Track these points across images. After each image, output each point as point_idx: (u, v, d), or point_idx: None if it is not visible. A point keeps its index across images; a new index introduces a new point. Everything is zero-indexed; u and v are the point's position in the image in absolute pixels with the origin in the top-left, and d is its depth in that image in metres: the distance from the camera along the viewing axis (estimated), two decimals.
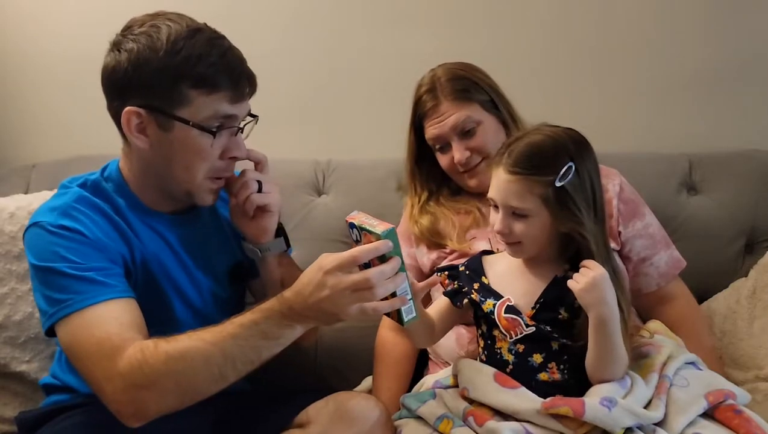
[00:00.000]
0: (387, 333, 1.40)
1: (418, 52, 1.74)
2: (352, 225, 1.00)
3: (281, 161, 1.34)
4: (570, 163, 1.05)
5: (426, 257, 1.37)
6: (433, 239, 1.35)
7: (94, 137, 1.79)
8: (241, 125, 1.10)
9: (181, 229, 1.17)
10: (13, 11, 1.74)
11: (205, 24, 1.07)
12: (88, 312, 0.98)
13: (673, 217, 1.54)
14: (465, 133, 1.32)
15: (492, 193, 1.10)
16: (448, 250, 1.34)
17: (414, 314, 1.00)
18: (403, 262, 0.97)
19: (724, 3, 1.71)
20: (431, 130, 1.34)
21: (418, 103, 1.36)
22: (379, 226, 0.96)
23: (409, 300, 0.99)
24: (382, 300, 0.96)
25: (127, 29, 1.05)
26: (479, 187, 1.33)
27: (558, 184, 1.04)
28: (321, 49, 1.76)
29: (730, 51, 1.73)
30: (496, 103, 1.35)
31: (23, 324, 1.42)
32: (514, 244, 1.10)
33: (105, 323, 0.97)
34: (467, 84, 1.33)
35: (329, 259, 0.95)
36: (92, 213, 1.07)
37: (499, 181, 1.08)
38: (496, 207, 1.10)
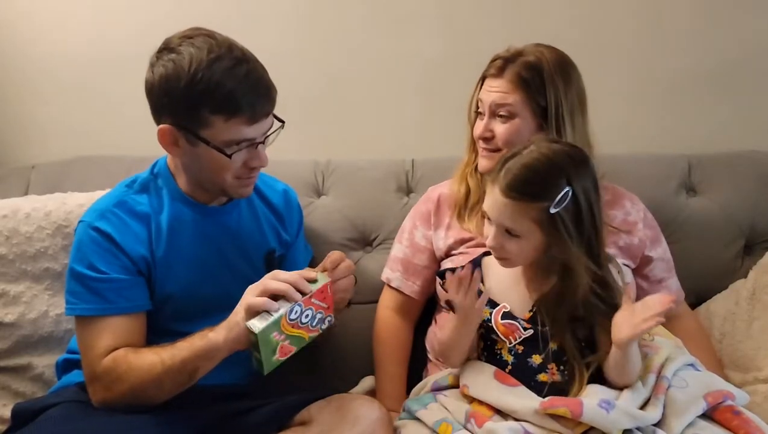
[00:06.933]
0: (387, 314, 1.42)
1: (419, 53, 1.74)
2: None
3: (281, 162, 1.34)
4: (567, 189, 1.03)
5: (442, 241, 1.36)
6: (462, 211, 1.35)
7: (94, 138, 1.80)
8: (267, 134, 1.17)
9: (220, 218, 1.27)
10: (13, 12, 1.74)
11: (230, 46, 1.11)
12: (87, 319, 1.15)
13: (672, 217, 1.54)
14: (497, 114, 1.28)
15: (486, 207, 1.09)
16: (466, 237, 1.33)
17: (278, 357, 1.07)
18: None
19: (723, 3, 1.71)
20: (481, 91, 1.32)
21: (492, 61, 1.31)
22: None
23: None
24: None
25: (161, 51, 1.12)
26: (485, 170, 1.31)
27: (553, 211, 1.02)
28: (320, 50, 1.76)
29: (729, 51, 1.73)
30: (547, 114, 1.26)
31: (37, 322, 1.42)
32: (504, 259, 1.10)
33: (99, 333, 1.14)
34: (536, 78, 1.25)
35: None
36: (128, 217, 1.20)
37: (495, 201, 1.06)
38: (489, 219, 1.09)
